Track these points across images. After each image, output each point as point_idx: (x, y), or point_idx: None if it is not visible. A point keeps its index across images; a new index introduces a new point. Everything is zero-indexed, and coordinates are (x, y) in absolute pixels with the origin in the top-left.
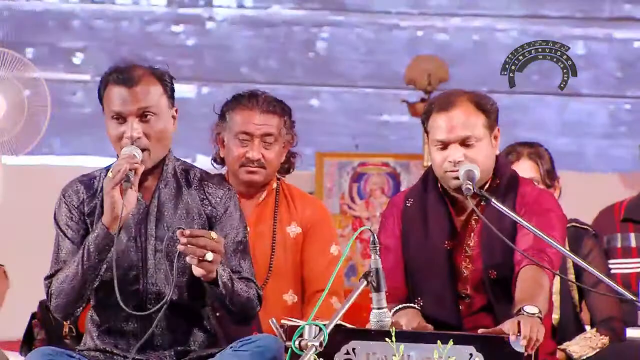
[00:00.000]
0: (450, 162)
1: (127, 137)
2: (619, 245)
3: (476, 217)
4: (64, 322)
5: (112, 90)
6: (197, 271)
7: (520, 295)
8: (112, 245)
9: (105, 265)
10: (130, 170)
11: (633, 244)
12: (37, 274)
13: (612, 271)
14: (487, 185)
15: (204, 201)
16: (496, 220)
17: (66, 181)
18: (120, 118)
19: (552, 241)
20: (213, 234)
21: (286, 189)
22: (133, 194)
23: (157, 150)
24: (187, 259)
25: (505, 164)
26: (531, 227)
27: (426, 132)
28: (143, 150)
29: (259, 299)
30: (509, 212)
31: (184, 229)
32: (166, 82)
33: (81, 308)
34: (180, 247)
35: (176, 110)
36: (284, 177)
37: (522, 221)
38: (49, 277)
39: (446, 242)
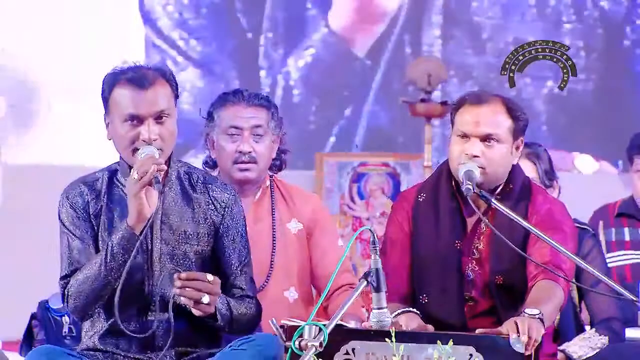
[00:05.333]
0: (466, 154)
1: (144, 139)
2: (613, 239)
3: (488, 220)
4: (64, 323)
5: (124, 92)
6: (195, 312)
7: (528, 301)
8: (135, 246)
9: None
10: (157, 171)
11: (627, 237)
12: (37, 274)
13: (607, 265)
14: (499, 190)
15: (210, 206)
16: (508, 226)
17: (66, 181)
18: (136, 120)
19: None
20: (209, 277)
21: (281, 186)
22: (155, 194)
23: (168, 151)
24: (183, 300)
25: (521, 171)
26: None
27: (452, 123)
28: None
29: (259, 315)
30: (512, 214)
31: (180, 272)
32: (172, 83)
33: (98, 309)
34: (175, 291)
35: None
36: (275, 174)
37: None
38: (65, 278)
39: (456, 241)
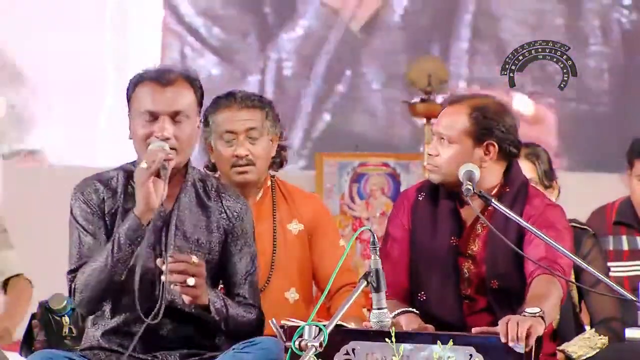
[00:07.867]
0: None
1: (157, 136)
2: (610, 248)
3: (483, 222)
4: (64, 323)
5: (145, 88)
6: (185, 298)
7: (529, 298)
8: (143, 237)
9: (131, 263)
10: (165, 160)
11: (625, 247)
12: (37, 274)
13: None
14: (494, 191)
15: (222, 215)
16: (502, 228)
17: (66, 181)
18: (152, 117)
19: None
20: (194, 258)
21: (282, 187)
22: (162, 185)
23: (183, 154)
24: (172, 286)
25: (519, 173)
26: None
27: None
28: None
29: (259, 323)
30: (512, 214)
31: (164, 259)
32: (197, 89)
33: (105, 304)
34: (163, 277)
35: (200, 121)
36: (276, 172)
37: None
38: (73, 272)
39: (452, 238)
